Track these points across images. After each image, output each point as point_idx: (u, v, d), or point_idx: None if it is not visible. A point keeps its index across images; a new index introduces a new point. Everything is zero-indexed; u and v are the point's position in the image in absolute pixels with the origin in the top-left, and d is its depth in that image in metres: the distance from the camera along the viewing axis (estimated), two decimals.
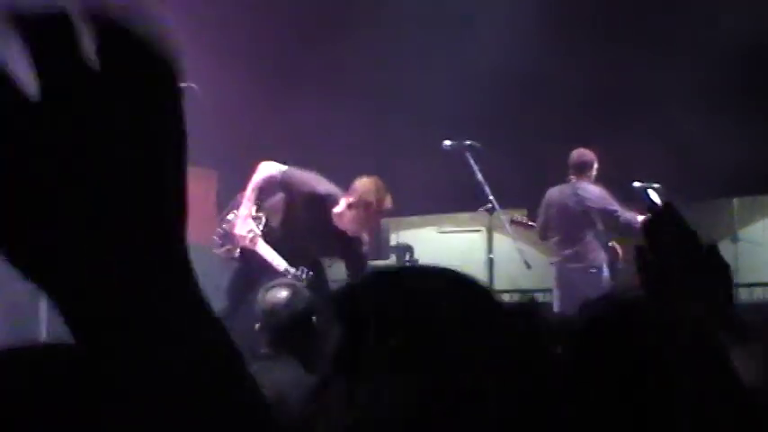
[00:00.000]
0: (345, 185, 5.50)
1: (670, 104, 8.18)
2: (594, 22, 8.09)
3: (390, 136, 8.75)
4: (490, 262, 6.80)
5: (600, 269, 7.26)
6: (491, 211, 6.64)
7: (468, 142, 6.54)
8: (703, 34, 7.52)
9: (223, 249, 5.73)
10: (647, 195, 7.21)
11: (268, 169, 5.54)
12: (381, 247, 10.21)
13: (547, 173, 7.64)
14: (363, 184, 5.31)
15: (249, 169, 8.87)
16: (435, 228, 10.51)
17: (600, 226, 7.30)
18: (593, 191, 7.30)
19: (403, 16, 7.99)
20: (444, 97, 8.37)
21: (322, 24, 7.98)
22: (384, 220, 10.59)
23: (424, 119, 8.30)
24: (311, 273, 5.29)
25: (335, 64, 8.15)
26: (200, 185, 8.51)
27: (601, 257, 7.31)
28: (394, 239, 10.29)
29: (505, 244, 7.19)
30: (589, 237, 7.27)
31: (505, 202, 6.79)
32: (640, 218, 7.03)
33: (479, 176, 6.52)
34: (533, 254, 7.87)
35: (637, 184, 7.31)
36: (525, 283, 7.99)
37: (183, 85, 0.68)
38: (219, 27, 7.92)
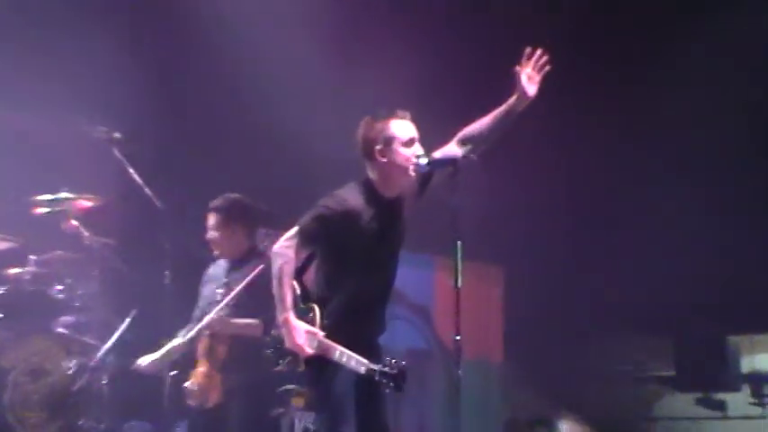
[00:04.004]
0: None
1: None
2: None
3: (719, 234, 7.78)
4: None
5: None
6: None
7: None
8: None
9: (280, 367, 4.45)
10: None
11: (281, 256, 4.33)
12: (730, 375, 8.23)
13: None
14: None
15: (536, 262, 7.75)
16: None
17: None
18: None
19: None
20: None
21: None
22: (732, 339, 8.68)
23: None
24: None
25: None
26: (484, 282, 7.89)
27: None
28: (747, 365, 8.44)
29: None
30: None
31: None
32: None
33: None
34: None
35: None
36: None
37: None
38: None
